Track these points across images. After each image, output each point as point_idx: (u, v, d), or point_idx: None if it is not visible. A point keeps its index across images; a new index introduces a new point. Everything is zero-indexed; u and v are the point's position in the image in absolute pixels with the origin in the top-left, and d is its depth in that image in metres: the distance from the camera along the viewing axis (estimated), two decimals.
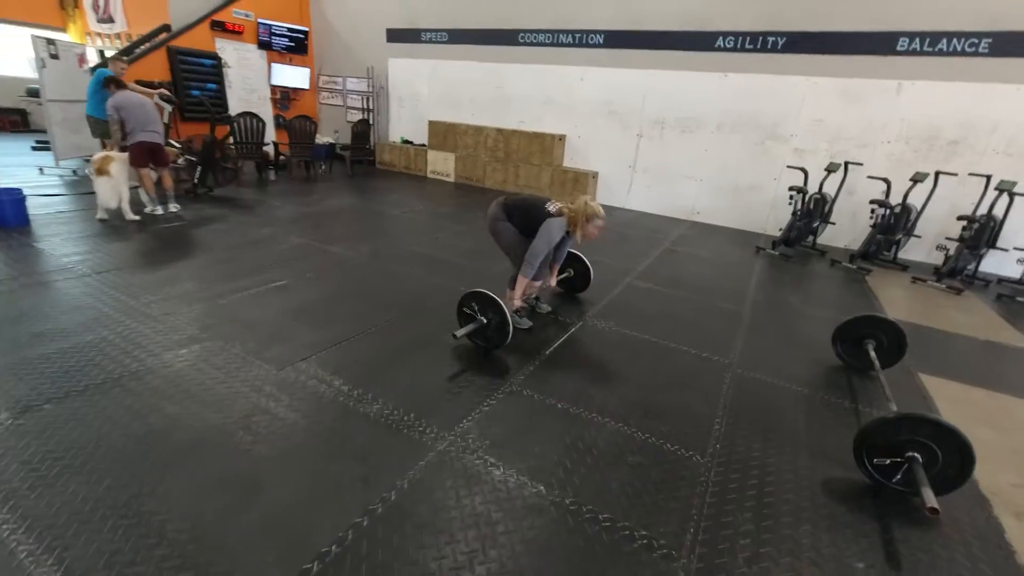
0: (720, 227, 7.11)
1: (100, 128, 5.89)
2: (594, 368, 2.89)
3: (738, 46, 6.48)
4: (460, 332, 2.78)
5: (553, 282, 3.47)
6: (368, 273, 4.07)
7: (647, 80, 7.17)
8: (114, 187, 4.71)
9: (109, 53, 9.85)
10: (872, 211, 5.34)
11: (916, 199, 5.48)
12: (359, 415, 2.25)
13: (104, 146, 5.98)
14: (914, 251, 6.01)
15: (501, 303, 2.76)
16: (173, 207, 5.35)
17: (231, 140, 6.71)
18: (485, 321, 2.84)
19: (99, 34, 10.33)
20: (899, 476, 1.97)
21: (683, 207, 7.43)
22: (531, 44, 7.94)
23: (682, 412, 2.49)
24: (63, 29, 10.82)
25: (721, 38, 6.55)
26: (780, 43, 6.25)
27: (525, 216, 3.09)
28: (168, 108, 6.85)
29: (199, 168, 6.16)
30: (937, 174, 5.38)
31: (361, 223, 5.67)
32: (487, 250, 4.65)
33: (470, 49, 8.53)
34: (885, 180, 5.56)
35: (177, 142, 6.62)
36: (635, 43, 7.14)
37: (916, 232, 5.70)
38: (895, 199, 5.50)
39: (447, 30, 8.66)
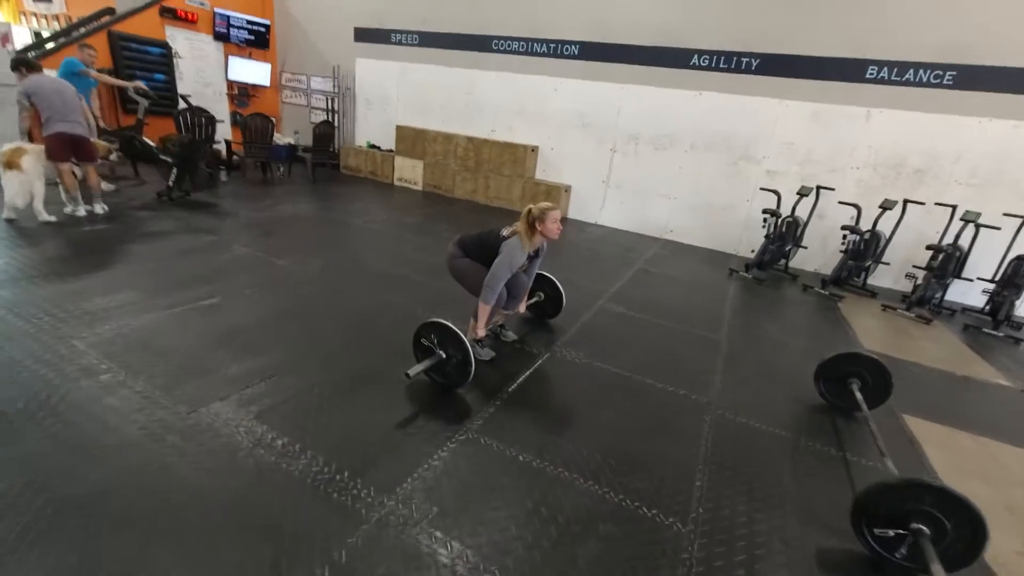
0: (693, 246, 7.00)
1: None
2: (562, 409, 2.59)
3: (713, 65, 6.41)
4: (414, 370, 2.42)
5: (523, 308, 3.18)
6: (316, 290, 3.65)
7: (622, 94, 7.03)
8: (24, 183, 4.13)
9: (46, 35, 9.05)
10: (844, 237, 5.30)
11: (884, 226, 5.50)
12: (280, 474, 1.86)
13: None
14: (882, 278, 6.04)
15: (463, 338, 2.43)
16: (99, 208, 4.77)
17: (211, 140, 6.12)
18: (444, 356, 2.50)
19: (34, 14, 9.48)
20: (904, 550, 1.74)
21: (656, 225, 7.30)
22: (504, 52, 7.70)
23: (660, 464, 2.21)
24: None
25: (696, 56, 6.48)
26: (754, 64, 6.22)
27: (481, 248, 2.82)
28: (145, 103, 6.20)
29: (175, 170, 5.59)
30: (905, 202, 5.40)
31: (316, 233, 5.23)
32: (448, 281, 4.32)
33: (441, 53, 8.22)
34: (855, 206, 5.55)
35: (150, 140, 6.00)
36: (610, 56, 6.99)
37: (884, 259, 5.71)
38: (864, 225, 5.50)
39: (418, 32, 8.32)
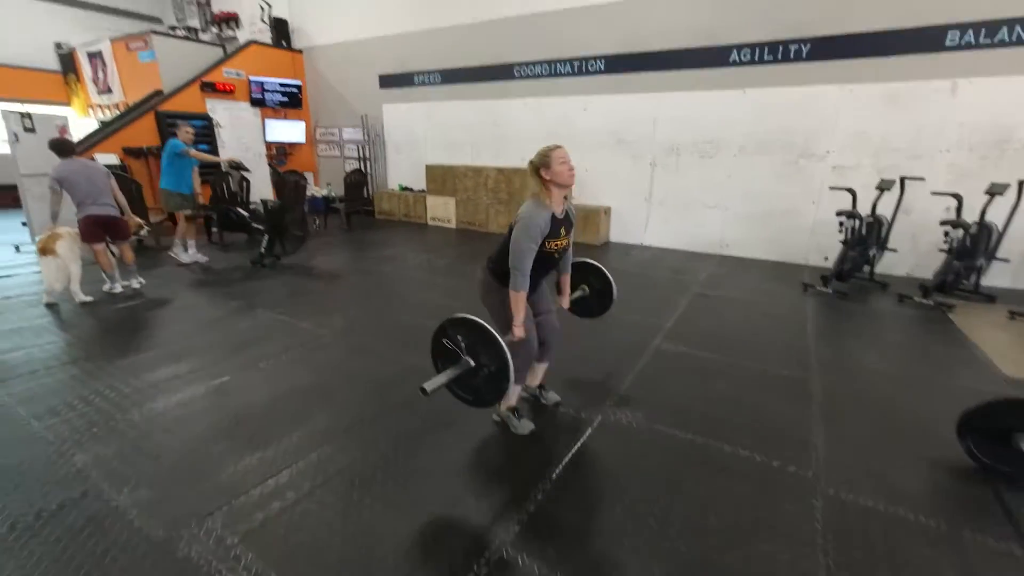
0: (754, 260, 6.23)
1: (173, 201, 5.69)
2: (620, 503, 2.04)
3: (756, 58, 5.79)
4: (433, 384, 1.91)
5: (566, 303, 2.61)
6: (335, 357, 3.34)
7: (656, 104, 6.51)
8: (60, 267, 4.17)
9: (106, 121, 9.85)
10: (946, 234, 4.42)
11: (994, 215, 4.55)
12: None
13: (175, 220, 5.86)
14: (998, 277, 5.02)
15: (499, 340, 1.93)
16: (136, 283, 4.80)
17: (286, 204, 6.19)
18: (473, 365, 2.01)
19: (100, 105, 10.37)
20: None
21: (709, 240, 6.60)
22: (527, 77, 7.44)
23: None
24: (68, 103, 10.96)
25: (735, 51, 5.88)
26: (805, 50, 5.54)
27: (505, 253, 2.25)
28: (238, 175, 6.43)
29: (266, 236, 5.73)
30: (1021, 184, 4.46)
31: (342, 287, 5.02)
32: (480, 311, 3.88)
33: (465, 88, 8.09)
34: (955, 196, 4.66)
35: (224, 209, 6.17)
36: (639, 66, 6.53)
37: (1000, 254, 4.72)
38: (968, 216, 4.58)
39: (439, 71, 8.27)
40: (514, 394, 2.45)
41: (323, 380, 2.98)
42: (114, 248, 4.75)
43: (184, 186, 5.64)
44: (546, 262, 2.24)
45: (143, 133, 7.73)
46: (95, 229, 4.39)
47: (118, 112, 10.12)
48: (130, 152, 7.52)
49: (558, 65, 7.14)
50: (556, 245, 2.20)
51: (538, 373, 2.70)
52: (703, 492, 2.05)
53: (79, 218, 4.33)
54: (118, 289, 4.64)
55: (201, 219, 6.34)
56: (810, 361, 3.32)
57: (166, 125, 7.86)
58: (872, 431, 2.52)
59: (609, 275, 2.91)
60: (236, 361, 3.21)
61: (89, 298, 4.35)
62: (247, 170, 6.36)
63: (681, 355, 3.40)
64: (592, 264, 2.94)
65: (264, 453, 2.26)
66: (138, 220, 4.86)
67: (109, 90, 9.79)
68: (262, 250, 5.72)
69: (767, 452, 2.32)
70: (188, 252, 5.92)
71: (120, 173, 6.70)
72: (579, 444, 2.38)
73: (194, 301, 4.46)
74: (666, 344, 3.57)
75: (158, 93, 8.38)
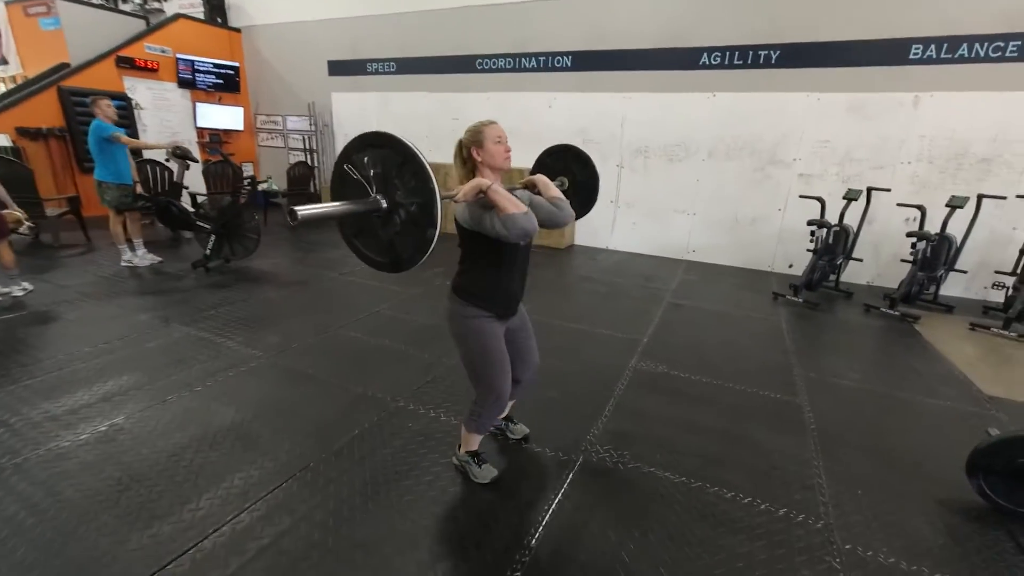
0: (721, 266, 6.13)
1: (112, 194, 4.75)
2: (615, 569, 1.69)
3: (726, 62, 5.65)
4: (307, 210, 1.26)
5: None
6: (264, 387, 2.80)
7: (624, 105, 6.28)
8: None
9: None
10: (913, 245, 4.41)
11: (953, 227, 4.60)
12: None
13: (119, 216, 4.91)
14: (950, 287, 5.13)
15: (422, 162, 1.33)
16: (18, 290, 3.98)
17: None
18: (385, 205, 1.41)
19: None
20: None
21: (676, 245, 6.45)
22: (490, 71, 7.01)
23: None
24: None
25: (706, 54, 5.73)
26: (774, 57, 5.45)
27: (474, 264, 1.83)
28: (185, 165, 5.43)
29: (213, 237, 4.96)
30: (980, 198, 4.52)
31: (281, 296, 4.42)
32: (443, 327, 3.48)
33: (422, 79, 7.55)
34: (919, 207, 4.68)
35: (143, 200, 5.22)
36: (608, 64, 6.27)
37: (958, 265, 4.80)
38: (928, 228, 4.62)
39: (395, 59, 7.68)
40: (476, 440, 2.04)
41: (247, 419, 2.44)
42: None
43: (126, 176, 4.80)
44: (514, 256, 1.79)
45: (43, 111, 6.67)
46: None
47: (14, 86, 8.83)
48: (26, 133, 6.46)
49: (523, 59, 6.76)
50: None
51: (504, 405, 2.31)
52: (708, 557, 1.73)
53: None
54: None
55: (146, 212, 5.45)
56: (794, 381, 3.12)
57: (71, 104, 6.83)
58: (873, 466, 2.31)
59: (594, 164, 2.32)
60: (135, 395, 2.61)
61: None
62: (194, 160, 5.54)
63: (661, 376, 3.11)
64: (575, 150, 2.35)
65: (159, 529, 1.73)
66: (16, 214, 4.05)
67: (4, 61, 8.47)
68: (206, 252, 5.00)
69: (771, 498, 2.04)
70: (138, 253, 5.09)
71: (7, 158, 5.72)
72: (558, 497, 2.01)
73: (93, 314, 3.73)
74: (643, 363, 3.28)
75: (63, 66, 7.29)
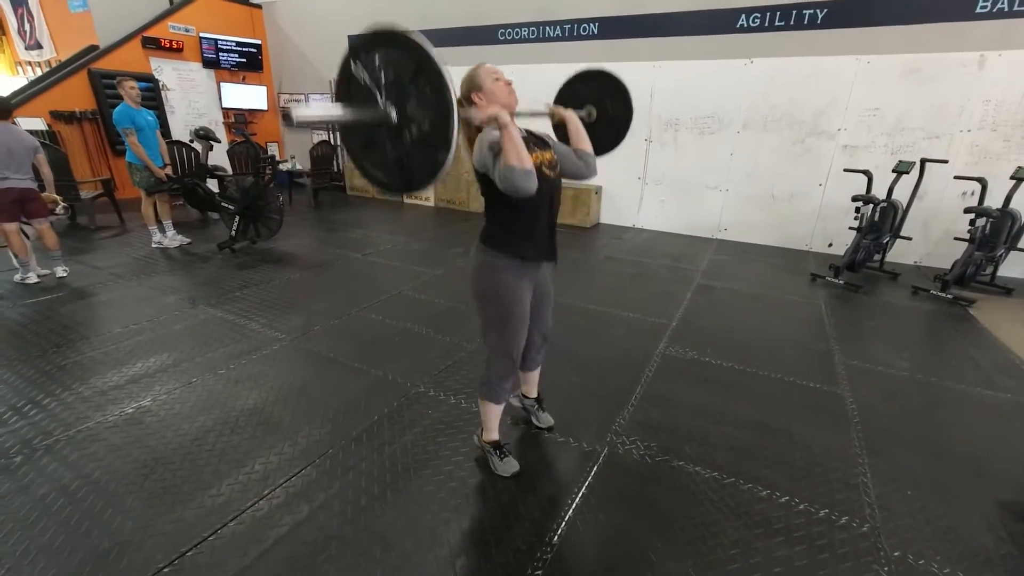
0: (754, 245, 5.84)
1: (139, 175, 4.82)
2: (642, 569, 1.61)
3: (766, 24, 5.25)
4: (305, 114, 1.18)
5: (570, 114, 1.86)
6: (286, 369, 2.79)
7: (654, 74, 5.95)
8: None
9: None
10: (972, 222, 4.06)
11: (1017, 202, 4.21)
12: None
13: (150, 198, 4.95)
14: (1012, 267, 4.73)
15: (439, 68, 1.19)
16: (61, 270, 4.11)
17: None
18: (395, 120, 1.25)
19: (29, 63, 9.19)
20: None
21: (706, 223, 6.17)
22: (513, 41, 6.74)
23: None
24: None
25: (744, 16, 5.33)
26: (819, 16, 5.02)
27: (497, 208, 1.71)
28: (208, 146, 5.40)
29: (237, 218, 5.03)
30: None
31: (305, 277, 4.42)
32: (464, 310, 3.42)
33: (442, 52, 7.23)
34: (979, 180, 4.29)
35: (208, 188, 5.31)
36: (636, 31, 5.92)
37: (1021, 244, 4.42)
38: (989, 203, 4.24)
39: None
40: (494, 418, 1.97)
41: (268, 402, 2.44)
42: (28, 230, 4.05)
43: (155, 158, 4.81)
44: (537, 198, 1.57)
45: (75, 94, 6.80)
46: (8, 205, 3.69)
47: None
48: (59, 116, 6.60)
49: (547, 28, 6.46)
50: (538, 160, 1.63)
51: (531, 380, 2.23)
52: (743, 560, 1.63)
53: None
54: (33, 279, 3.95)
55: (175, 195, 5.52)
56: (836, 370, 2.93)
57: (102, 87, 6.92)
58: (924, 464, 2.14)
59: (629, 93, 2.10)
60: (162, 377, 2.65)
61: None
62: (217, 140, 5.55)
63: (691, 363, 2.97)
64: (612, 79, 2.10)
65: (181, 514, 1.74)
66: (54, 196, 4.13)
67: (39, 45, 8.65)
68: (232, 233, 5.05)
69: (810, 497, 1.91)
70: (168, 235, 5.18)
71: (45, 143, 5.85)
72: (583, 488, 1.93)
73: (124, 295, 3.81)
74: (672, 348, 3.13)
75: (92, 48, 7.37)
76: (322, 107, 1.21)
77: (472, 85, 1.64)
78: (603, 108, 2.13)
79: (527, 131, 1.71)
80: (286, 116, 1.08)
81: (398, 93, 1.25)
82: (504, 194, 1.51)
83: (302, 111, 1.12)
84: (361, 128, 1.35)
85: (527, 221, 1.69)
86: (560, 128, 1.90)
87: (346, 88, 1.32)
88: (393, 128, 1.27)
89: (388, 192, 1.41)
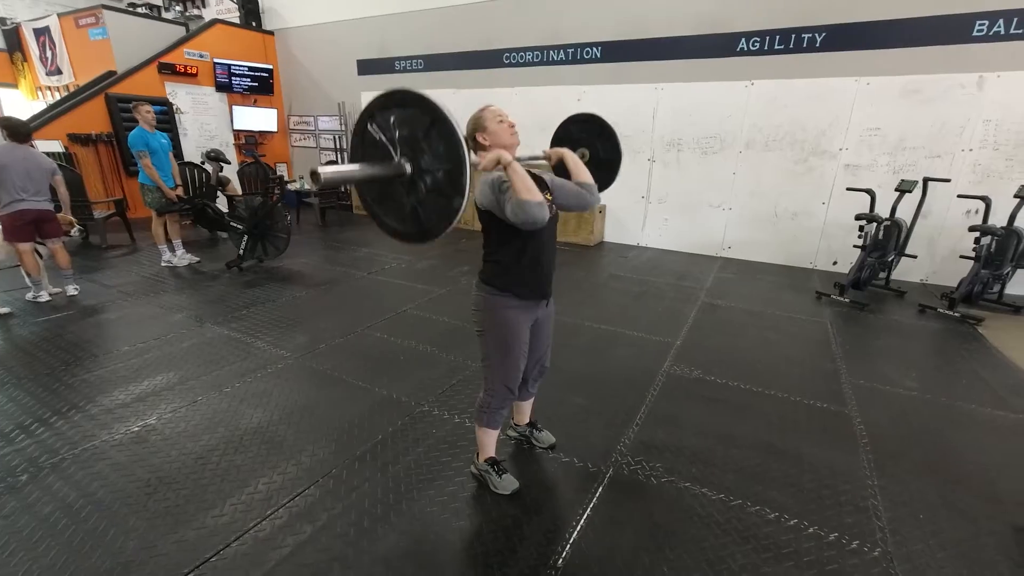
0: (758, 263, 5.84)
1: (151, 196, 4.93)
2: None
3: (766, 47, 5.35)
4: (330, 171, 1.22)
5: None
6: (291, 387, 2.80)
7: (656, 95, 6.05)
8: None
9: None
10: (977, 240, 4.06)
11: (1022, 220, 4.21)
12: None
13: (161, 218, 5.05)
14: (1019, 285, 4.70)
15: (451, 121, 1.23)
16: (72, 289, 4.17)
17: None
18: (409, 171, 1.32)
19: (49, 87, 9.50)
20: None
21: (710, 242, 6.19)
22: (518, 64, 6.90)
23: None
24: (14, 85, 10.04)
25: (744, 40, 5.44)
26: (819, 39, 5.12)
27: (501, 245, 1.74)
28: (217, 168, 5.60)
29: (246, 237, 5.12)
30: None
31: (310, 295, 4.46)
32: (468, 329, 3.44)
33: (449, 76, 7.51)
34: (983, 199, 4.30)
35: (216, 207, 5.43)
36: (639, 54, 6.05)
37: None
38: (993, 221, 4.24)
39: (422, 56, 7.67)
40: (491, 442, 1.97)
41: (273, 421, 2.45)
42: (42, 249, 4.13)
43: (167, 180, 4.94)
44: (539, 236, 1.67)
45: (92, 118, 7.00)
46: (24, 226, 3.78)
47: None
48: (76, 139, 6.79)
49: (551, 52, 6.61)
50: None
51: (524, 409, 2.24)
52: None
53: (3, 214, 3.69)
54: (45, 297, 4.02)
55: (185, 215, 5.62)
56: (843, 389, 2.91)
57: (118, 111, 7.13)
58: (936, 487, 2.10)
59: (618, 137, 2.22)
60: (167, 396, 2.66)
61: (6, 309, 3.73)
62: (227, 161, 5.68)
63: (696, 382, 2.95)
64: (600, 122, 2.23)
65: (184, 535, 1.73)
66: (69, 218, 4.22)
67: (59, 71, 8.95)
68: (240, 251, 5.13)
69: (820, 521, 1.88)
70: (177, 254, 5.27)
71: (61, 164, 6.01)
72: (587, 511, 1.91)
73: (133, 313, 3.86)
74: (677, 367, 3.12)
75: (110, 74, 7.62)
76: (345, 166, 1.32)
77: (477, 126, 1.70)
78: (594, 151, 2.25)
79: (527, 170, 1.75)
80: (314, 175, 1.18)
81: (412, 147, 1.32)
82: (506, 233, 1.59)
83: (327, 169, 1.21)
84: (377, 182, 1.42)
85: (530, 259, 1.72)
86: (560, 168, 1.95)
87: (361, 145, 1.41)
88: (408, 180, 1.35)
89: (403, 241, 1.46)
